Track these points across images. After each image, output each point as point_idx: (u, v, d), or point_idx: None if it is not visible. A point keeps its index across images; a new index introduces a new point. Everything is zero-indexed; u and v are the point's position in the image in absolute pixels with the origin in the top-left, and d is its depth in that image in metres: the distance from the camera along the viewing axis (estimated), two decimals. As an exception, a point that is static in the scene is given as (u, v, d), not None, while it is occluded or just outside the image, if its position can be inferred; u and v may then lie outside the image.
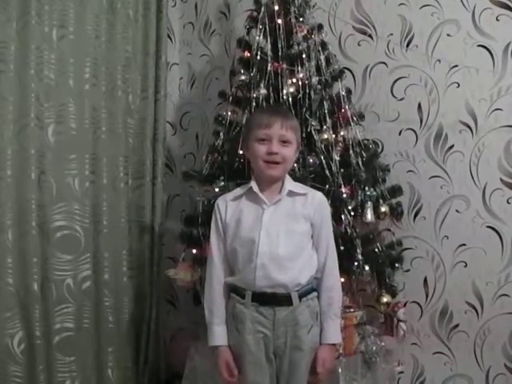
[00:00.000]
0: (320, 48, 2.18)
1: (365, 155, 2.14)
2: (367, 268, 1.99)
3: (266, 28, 2.16)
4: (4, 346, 2.17)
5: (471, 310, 2.19)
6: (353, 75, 2.44)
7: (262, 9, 2.18)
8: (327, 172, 2.01)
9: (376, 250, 2.09)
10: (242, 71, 2.20)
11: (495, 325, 2.14)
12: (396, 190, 2.20)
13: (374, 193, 2.10)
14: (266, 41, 2.16)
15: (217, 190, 2.11)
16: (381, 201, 2.12)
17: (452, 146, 2.23)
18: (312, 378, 1.69)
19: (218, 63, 2.90)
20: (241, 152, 1.96)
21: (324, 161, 2.03)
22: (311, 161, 2.03)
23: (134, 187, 2.66)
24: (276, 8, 2.16)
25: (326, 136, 2.06)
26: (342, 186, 2.00)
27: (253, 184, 1.68)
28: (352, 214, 2.00)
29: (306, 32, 2.18)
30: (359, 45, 2.44)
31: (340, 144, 2.11)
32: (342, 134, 2.13)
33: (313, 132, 2.06)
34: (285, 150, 1.64)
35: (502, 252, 2.13)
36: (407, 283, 2.31)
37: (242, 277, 1.65)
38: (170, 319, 2.93)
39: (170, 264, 2.62)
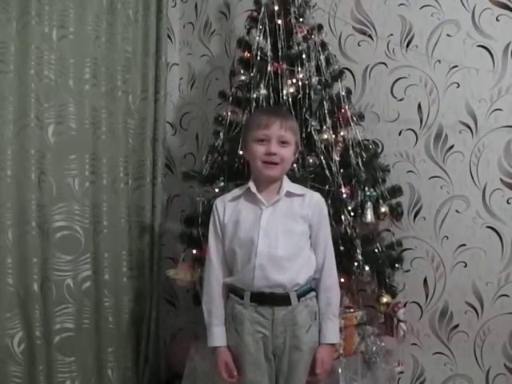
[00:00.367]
0: (320, 48, 2.18)
1: (365, 155, 2.13)
2: (367, 268, 1.99)
3: (265, 28, 2.16)
4: (4, 346, 2.18)
5: (471, 311, 2.19)
6: (353, 75, 2.44)
7: (262, 9, 2.18)
8: (327, 172, 2.01)
9: (376, 250, 2.09)
10: (242, 71, 2.20)
11: (495, 325, 2.14)
12: (396, 191, 2.19)
13: (374, 193, 2.10)
14: (266, 41, 2.16)
15: (217, 190, 2.11)
16: (381, 201, 2.11)
17: (452, 147, 2.23)
18: (311, 379, 1.69)
19: (218, 63, 2.90)
20: (240, 152, 1.96)
21: (324, 161, 2.02)
22: (311, 161, 2.03)
23: (134, 187, 2.66)
24: (276, 8, 2.16)
25: (325, 136, 2.06)
26: (342, 187, 1.99)
27: (251, 185, 1.68)
28: (352, 214, 1.99)
29: (305, 32, 2.17)
30: (359, 45, 2.44)
31: (340, 144, 2.11)
32: (341, 134, 2.13)
33: (313, 132, 2.06)
34: (283, 151, 1.64)
35: (502, 252, 2.12)
36: (407, 283, 2.31)
37: (240, 277, 1.66)
38: (170, 319, 2.93)
39: (170, 264, 2.62)
